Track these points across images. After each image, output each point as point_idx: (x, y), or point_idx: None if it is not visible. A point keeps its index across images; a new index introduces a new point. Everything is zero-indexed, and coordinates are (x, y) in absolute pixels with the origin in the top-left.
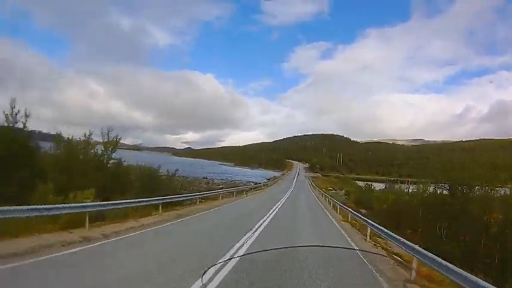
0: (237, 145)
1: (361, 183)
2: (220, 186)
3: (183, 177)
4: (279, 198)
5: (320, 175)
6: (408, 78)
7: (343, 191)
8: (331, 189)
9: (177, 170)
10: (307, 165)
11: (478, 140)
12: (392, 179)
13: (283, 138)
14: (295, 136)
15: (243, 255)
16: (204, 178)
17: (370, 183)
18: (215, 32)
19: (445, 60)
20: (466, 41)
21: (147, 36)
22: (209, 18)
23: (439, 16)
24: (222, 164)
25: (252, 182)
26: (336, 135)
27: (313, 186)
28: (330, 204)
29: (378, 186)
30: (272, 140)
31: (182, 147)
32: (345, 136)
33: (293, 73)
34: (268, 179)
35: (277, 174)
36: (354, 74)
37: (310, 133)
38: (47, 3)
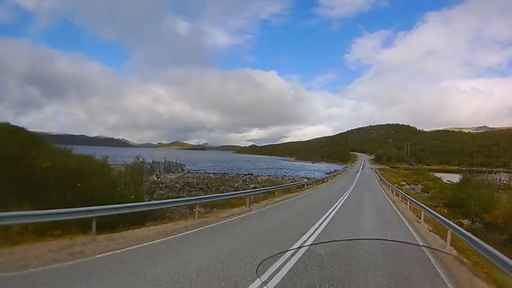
0: (301, 140)
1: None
2: (252, 186)
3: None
4: (331, 204)
5: (388, 167)
6: (472, 62)
7: (420, 185)
8: (404, 184)
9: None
10: (372, 156)
11: None
12: (473, 168)
13: (347, 131)
14: (359, 128)
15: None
16: (247, 174)
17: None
18: (275, 29)
19: (508, 40)
20: None
21: (207, 37)
22: (267, 15)
23: None
24: (282, 159)
25: (306, 178)
26: (402, 125)
27: (381, 180)
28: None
29: (451, 177)
30: (336, 133)
31: (247, 145)
32: (411, 126)
33: (356, 64)
34: (328, 173)
35: (339, 167)
36: (417, 61)
37: (375, 124)
38: (107, 17)
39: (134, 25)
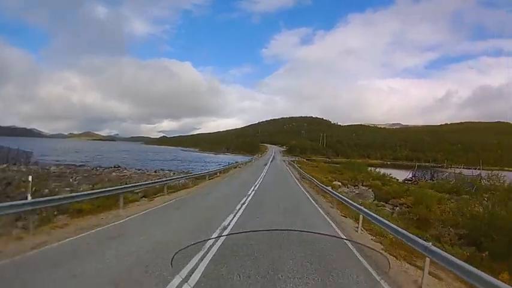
0: (213, 131)
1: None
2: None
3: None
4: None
5: (304, 159)
6: (390, 63)
7: (367, 188)
8: (338, 184)
9: None
10: (284, 148)
11: (462, 123)
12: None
13: (259, 122)
14: (271, 119)
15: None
16: (114, 167)
17: None
18: (195, 20)
19: (426, 46)
20: (449, 26)
21: (125, 24)
22: (189, 5)
23: (422, 1)
24: (185, 150)
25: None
26: (316, 117)
27: (303, 178)
28: None
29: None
30: (247, 125)
31: (157, 136)
32: (325, 119)
33: (273, 59)
34: (226, 165)
35: (244, 159)
36: (334, 59)
37: (288, 117)
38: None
39: (57, 8)
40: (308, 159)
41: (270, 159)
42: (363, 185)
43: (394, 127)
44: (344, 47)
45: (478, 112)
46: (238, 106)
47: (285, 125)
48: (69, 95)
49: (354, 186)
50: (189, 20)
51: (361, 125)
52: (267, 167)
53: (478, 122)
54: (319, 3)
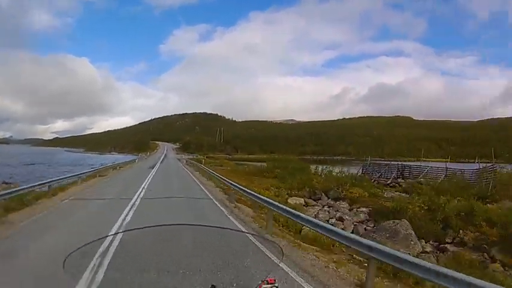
0: (105, 130)
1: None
2: None
3: None
4: None
5: (204, 157)
6: (289, 61)
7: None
8: (289, 197)
9: None
10: (177, 145)
11: (362, 117)
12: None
13: (151, 119)
14: (164, 117)
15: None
16: None
17: None
18: (97, 13)
19: (326, 45)
20: (350, 27)
21: (24, 15)
22: None
23: (327, 2)
24: (69, 151)
25: None
26: (210, 113)
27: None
28: None
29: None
30: (138, 122)
31: (51, 138)
32: (219, 115)
33: (169, 55)
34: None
35: (129, 158)
36: (233, 56)
37: (181, 113)
38: None
39: None
40: (209, 157)
41: (161, 158)
42: (343, 201)
43: (289, 122)
44: (243, 44)
45: (374, 108)
46: (133, 104)
47: (178, 122)
48: None
49: (329, 206)
50: (90, 12)
51: (257, 120)
52: (153, 171)
53: (378, 116)
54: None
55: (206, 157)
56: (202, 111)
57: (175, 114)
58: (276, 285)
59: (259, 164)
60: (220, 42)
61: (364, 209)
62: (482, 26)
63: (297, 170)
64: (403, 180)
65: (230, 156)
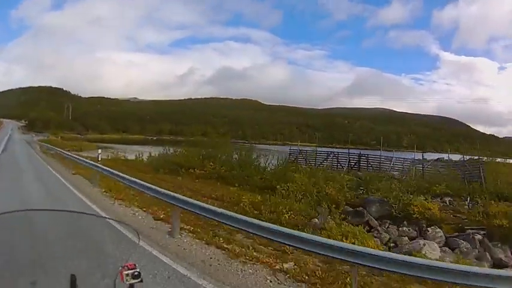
0: None
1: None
2: None
3: None
4: None
5: (54, 137)
6: (133, 37)
7: None
8: None
9: None
10: (23, 123)
11: (209, 98)
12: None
13: None
14: (9, 90)
15: None
16: None
17: None
18: None
19: (175, 25)
20: (203, 9)
21: None
22: None
23: None
24: None
25: None
26: (56, 88)
27: None
28: None
29: None
30: None
31: None
32: (65, 89)
33: (18, 23)
34: None
35: None
36: (79, 28)
37: (26, 86)
38: None
39: None
40: (64, 140)
41: (4, 142)
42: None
43: (133, 100)
44: (91, 16)
45: (220, 90)
46: None
47: (22, 96)
48: None
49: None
50: None
51: (102, 97)
52: None
53: (225, 98)
54: None
55: (59, 137)
56: (47, 85)
57: (19, 88)
58: (138, 270)
59: (122, 146)
60: (70, 12)
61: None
62: (336, 25)
63: (247, 164)
64: (360, 173)
65: (82, 136)
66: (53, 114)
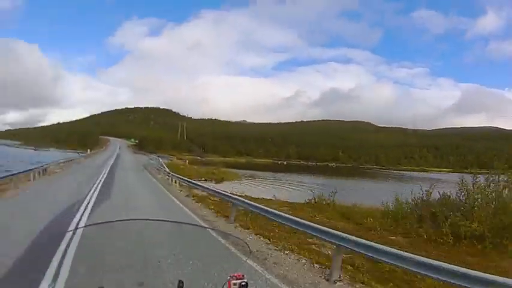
0: (57, 123)
1: None
2: None
3: None
4: None
5: (176, 158)
6: (236, 61)
7: None
8: None
9: None
10: (132, 141)
11: (317, 121)
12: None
13: (101, 113)
14: (115, 110)
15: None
16: None
17: None
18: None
19: (274, 47)
20: (302, 32)
21: None
22: None
23: (282, 6)
24: (3, 144)
25: None
26: (163, 109)
27: None
28: None
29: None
30: (88, 115)
31: (3, 129)
32: (174, 110)
33: (118, 49)
34: None
35: (61, 157)
36: (181, 53)
37: (133, 107)
38: None
39: None
40: (179, 159)
41: (111, 162)
42: None
43: (242, 123)
44: (192, 41)
45: (328, 112)
46: (83, 96)
47: (129, 116)
48: None
49: None
50: None
51: (214, 119)
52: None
53: (337, 120)
54: None
55: (178, 158)
56: (155, 106)
57: (126, 108)
58: (245, 280)
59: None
60: (169, 38)
61: None
62: (434, 40)
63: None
64: None
65: (203, 159)
66: (165, 134)
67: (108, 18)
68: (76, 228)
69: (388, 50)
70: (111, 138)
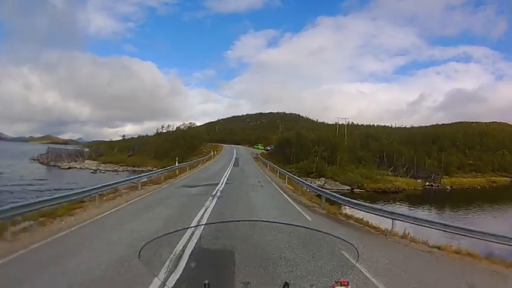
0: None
1: None
2: None
3: None
4: None
5: None
6: (358, 67)
7: None
8: None
9: None
10: (261, 148)
11: (452, 124)
12: None
13: (218, 120)
14: (233, 117)
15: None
16: None
17: None
18: (160, 19)
19: (395, 51)
20: (418, 32)
21: (83, 15)
22: (156, 3)
23: (391, 7)
24: None
25: None
26: (290, 113)
27: None
28: None
29: None
30: (203, 123)
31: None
32: (301, 115)
33: (237, 62)
34: None
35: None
36: (301, 62)
37: (254, 113)
38: None
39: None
40: None
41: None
42: None
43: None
44: (310, 50)
45: (454, 115)
46: (201, 108)
47: (250, 122)
48: (28, 94)
49: None
50: (153, 18)
51: (345, 124)
52: None
53: (472, 122)
54: (289, 4)
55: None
56: (280, 111)
57: (247, 114)
58: (349, 287)
59: None
60: (287, 48)
61: None
62: None
63: None
64: None
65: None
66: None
67: (224, 34)
68: (197, 225)
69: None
70: (226, 145)
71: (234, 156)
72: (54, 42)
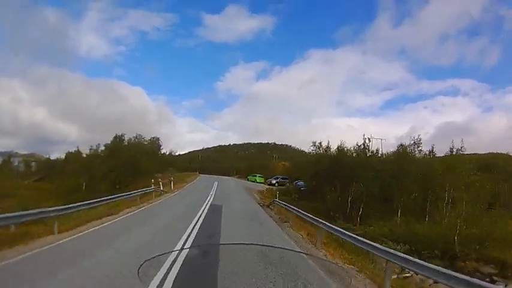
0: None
1: None
2: None
3: None
4: None
5: None
6: (347, 102)
7: None
8: None
9: None
10: (259, 182)
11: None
12: None
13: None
14: (219, 146)
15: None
16: None
17: None
18: (151, 44)
19: (383, 86)
20: (406, 67)
21: (75, 34)
22: (148, 27)
23: (381, 41)
24: None
25: None
26: (281, 144)
27: None
28: None
29: None
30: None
31: None
32: (293, 146)
33: (226, 93)
34: None
35: None
36: (290, 95)
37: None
38: None
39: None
40: None
41: None
42: None
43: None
44: (300, 83)
45: (446, 147)
46: (188, 138)
47: (237, 151)
48: (16, 108)
49: None
50: (144, 42)
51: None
52: None
53: (473, 154)
54: (281, 37)
55: None
56: (271, 142)
57: (234, 144)
58: None
59: None
60: (276, 81)
61: None
62: None
63: None
64: None
65: None
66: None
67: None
68: (182, 248)
69: (491, 75)
70: (204, 176)
71: (215, 185)
72: (45, 57)
